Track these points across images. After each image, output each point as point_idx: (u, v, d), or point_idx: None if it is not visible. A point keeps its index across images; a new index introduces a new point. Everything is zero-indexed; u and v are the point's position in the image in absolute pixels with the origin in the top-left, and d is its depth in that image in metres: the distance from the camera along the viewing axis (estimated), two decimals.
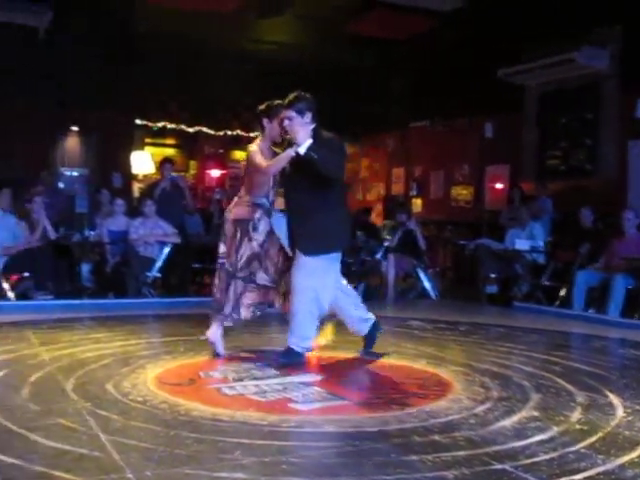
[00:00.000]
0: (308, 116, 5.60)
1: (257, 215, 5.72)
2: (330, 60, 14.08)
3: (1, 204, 9.29)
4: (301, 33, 13.77)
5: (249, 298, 5.78)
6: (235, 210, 5.82)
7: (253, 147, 5.80)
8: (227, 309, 5.72)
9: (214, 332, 5.82)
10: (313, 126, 5.55)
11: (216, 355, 5.83)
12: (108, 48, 13.01)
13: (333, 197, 5.65)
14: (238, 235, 5.73)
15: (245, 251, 5.71)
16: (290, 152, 5.39)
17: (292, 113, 5.56)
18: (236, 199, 5.90)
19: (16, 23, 11.68)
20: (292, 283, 5.58)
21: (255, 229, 5.72)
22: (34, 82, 13.11)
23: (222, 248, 5.85)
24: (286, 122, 5.57)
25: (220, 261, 5.85)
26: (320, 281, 5.51)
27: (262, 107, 5.91)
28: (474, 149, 14.14)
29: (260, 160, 5.60)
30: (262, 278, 5.78)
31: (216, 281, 5.89)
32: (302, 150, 5.31)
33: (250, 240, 5.71)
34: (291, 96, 5.65)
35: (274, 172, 5.63)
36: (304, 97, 5.69)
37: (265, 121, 5.86)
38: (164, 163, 11.56)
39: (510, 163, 13.29)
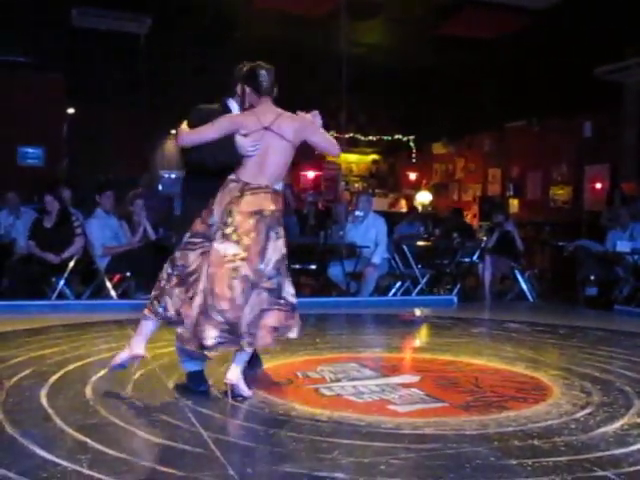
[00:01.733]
0: None
1: (280, 207, 4.54)
2: (422, 61, 14.01)
3: (104, 205, 9.54)
4: (392, 35, 13.75)
5: (274, 319, 4.41)
6: (251, 199, 4.39)
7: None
8: (242, 329, 4.31)
9: (235, 371, 4.46)
10: None
11: (239, 397, 4.46)
12: (205, 53, 13.26)
13: None
14: (263, 231, 4.38)
15: (273, 254, 4.41)
16: None
17: None
18: (237, 185, 4.43)
19: (118, 31, 12.02)
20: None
21: (280, 224, 4.50)
22: (135, 87, 13.44)
23: (231, 249, 4.33)
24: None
25: (231, 265, 4.32)
26: None
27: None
28: (572, 148, 13.89)
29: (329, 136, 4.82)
30: (288, 292, 4.48)
31: (223, 291, 4.29)
32: None
33: (277, 238, 4.44)
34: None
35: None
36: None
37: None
38: None
39: (610, 163, 12.99)
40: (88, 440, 3.60)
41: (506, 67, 13.49)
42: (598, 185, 13.36)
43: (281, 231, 4.50)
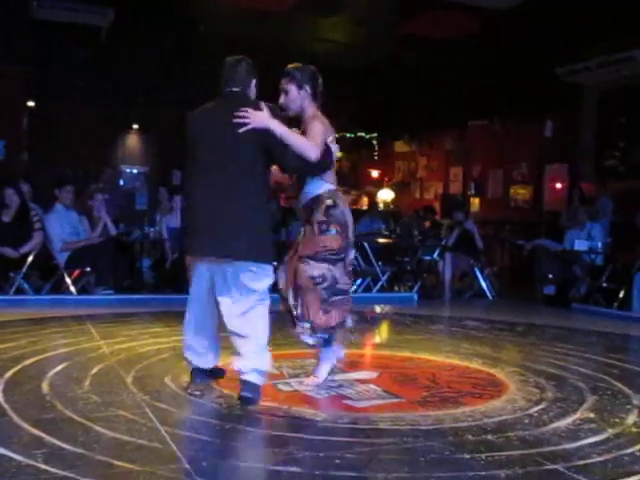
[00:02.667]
0: None
1: None
2: (387, 59, 14.06)
3: (64, 200, 9.43)
4: (356, 33, 13.76)
5: None
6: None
7: None
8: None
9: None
10: None
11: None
12: (167, 47, 13.20)
13: None
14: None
15: None
16: None
17: None
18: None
19: (80, 23, 11.90)
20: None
21: None
22: (96, 81, 13.35)
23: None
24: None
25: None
26: None
27: None
28: (533, 148, 14.02)
29: None
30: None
31: None
32: None
33: None
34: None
35: None
36: None
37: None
38: None
39: (570, 163, 13.14)
40: (44, 435, 3.59)
41: (469, 66, 13.60)
42: (558, 185, 13.50)
43: None
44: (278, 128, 4.31)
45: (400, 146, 18.94)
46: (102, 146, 14.11)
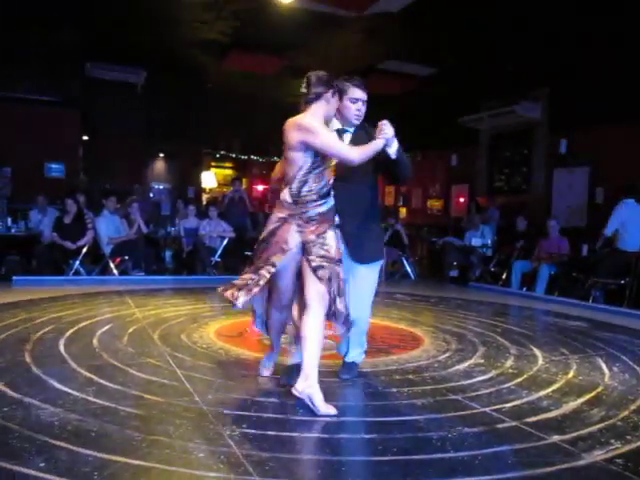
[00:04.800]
0: None
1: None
2: None
3: (109, 207, 9.36)
4: None
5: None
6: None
7: (313, 120, 3.24)
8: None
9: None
10: None
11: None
12: (185, 97, 13.15)
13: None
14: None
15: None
16: (379, 144, 3.29)
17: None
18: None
19: (121, 80, 11.84)
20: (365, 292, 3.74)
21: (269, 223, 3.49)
22: (133, 122, 13.26)
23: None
24: (362, 106, 3.56)
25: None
26: None
27: (326, 77, 3.33)
28: (444, 173, 14.12)
29: (339, 142, 3.28)
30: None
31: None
32: (393, 152, 3.34)
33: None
34: (361, 80, 3.59)
35: (359, 162, 3.25)
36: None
37: (330, 94, 3.32)
38: (235, 180, 11.99)
39: (469, 183, 13.27)
40: (94, 377, 3.59)
41: (401, 115, 13.64)
42: (461, 199, 13.61)
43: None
44: None
45: None
46: (137, 168, 13.94)
